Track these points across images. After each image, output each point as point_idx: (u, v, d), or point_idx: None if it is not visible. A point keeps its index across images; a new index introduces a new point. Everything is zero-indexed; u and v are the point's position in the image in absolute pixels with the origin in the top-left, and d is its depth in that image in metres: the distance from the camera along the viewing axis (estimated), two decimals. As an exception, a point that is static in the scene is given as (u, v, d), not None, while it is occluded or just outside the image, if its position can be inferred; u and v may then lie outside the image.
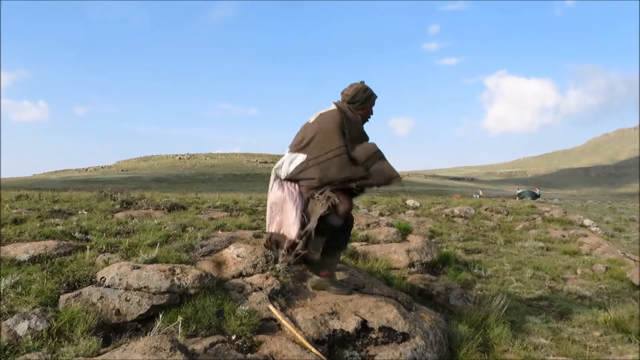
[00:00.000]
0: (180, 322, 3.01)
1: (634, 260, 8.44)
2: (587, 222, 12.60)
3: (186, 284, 3.34)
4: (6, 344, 2.61)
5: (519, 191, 50.84)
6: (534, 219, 12.71)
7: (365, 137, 3.81)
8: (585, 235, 10.47)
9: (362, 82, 3.80)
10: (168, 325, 3.01)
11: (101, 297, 3.15)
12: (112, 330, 3.00)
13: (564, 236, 10.55)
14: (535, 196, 43.92)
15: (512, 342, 4.01)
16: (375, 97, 3.81)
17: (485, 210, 13.51)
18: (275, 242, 3.75)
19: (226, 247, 4.40)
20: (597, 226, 12.53)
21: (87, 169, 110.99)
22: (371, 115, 3.87)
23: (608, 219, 17.23)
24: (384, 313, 3.62)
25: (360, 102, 3.74)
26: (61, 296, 3.17)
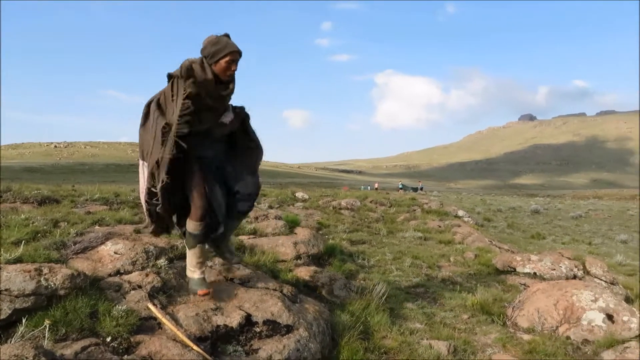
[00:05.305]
0: (48, 326, 2.78)
1: (499, 248, 9.32)
2: (460, 213, 13.66)
3: (55, 284, 3.10)
4: None
5: (400, 185, 54.33)
6: (414, 210, 13.51)
7: (212, 102, 3.38)
8: (459, 226, 11.33)
9: (223, 35, 3.34)
10: (33, 330, 2.77)
11: (-48, 303, 2.82)
12: (-34, 340, 2.70)
13: (440, 226, 11.32)
14: (416, 189, 47.28)
15: (390, 328, 4.22)
16: (231, 51, 3.26)
17: (371, 202, 14.09)
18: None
19: (103, 243, 4.15)
20: (469, 217, 13.64)
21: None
22: (231, 73, 3.34)
23: (479, 209, 18.81)
24: (268, 306, 3.64)
25: (209, 56, 3.27)
26: None
